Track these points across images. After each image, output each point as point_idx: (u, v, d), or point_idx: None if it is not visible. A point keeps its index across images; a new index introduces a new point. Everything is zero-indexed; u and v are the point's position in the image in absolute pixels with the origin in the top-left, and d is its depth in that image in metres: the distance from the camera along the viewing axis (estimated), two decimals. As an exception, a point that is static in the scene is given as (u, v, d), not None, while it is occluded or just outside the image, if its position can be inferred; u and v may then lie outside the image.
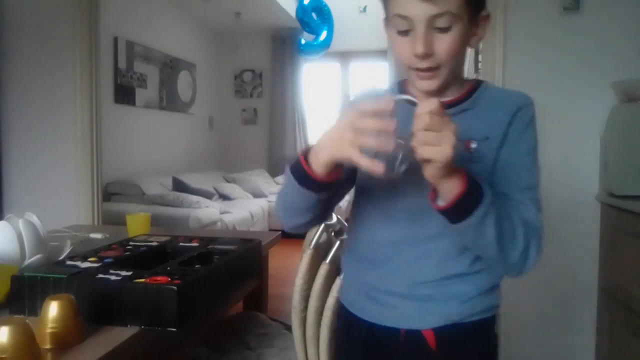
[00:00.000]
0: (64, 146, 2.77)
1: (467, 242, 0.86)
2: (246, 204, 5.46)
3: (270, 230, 5.52)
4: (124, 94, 4.96)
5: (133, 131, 5.12)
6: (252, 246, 1.48)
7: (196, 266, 1.22)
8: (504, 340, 2.61)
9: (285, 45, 6.85)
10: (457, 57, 0.87)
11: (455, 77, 0.91)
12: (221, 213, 4.73)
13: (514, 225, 0.83)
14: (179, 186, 5.01)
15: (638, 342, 1.88)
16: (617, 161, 2.12)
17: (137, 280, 1.03)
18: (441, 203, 0.80)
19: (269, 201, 5.89)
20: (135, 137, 5.15)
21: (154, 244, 1.41)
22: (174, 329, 0.99)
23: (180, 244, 1.44)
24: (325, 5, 6.43)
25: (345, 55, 6.80)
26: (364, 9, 6.53)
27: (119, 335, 0.95)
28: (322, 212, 0.91)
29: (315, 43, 6.50)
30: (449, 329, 0.92)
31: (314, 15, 6.40)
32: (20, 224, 1.24)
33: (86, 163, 2.76)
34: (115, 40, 4.78)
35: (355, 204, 1.03)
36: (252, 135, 7.12)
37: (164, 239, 1.48)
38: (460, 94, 0.93)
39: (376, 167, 0.71)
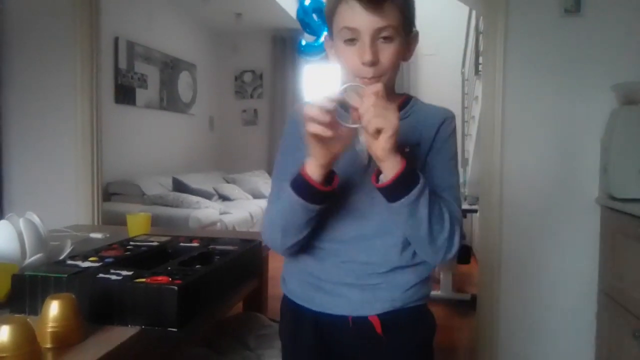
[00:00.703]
0: (64, 146, 2.77)
1: (401, 221, 0.93)
2: (246, 205, 5.45)
3: (270, 231, 5.50)
4: (125, 94, 4.96)
5: (133, 131, 5.12)
6: (252, 247, 1.48)
7: (197, 266, 1.22)
8: (505, 342, 2.60)
9: (286, 46, 6.86)
10: (396, 69, 0.97)
11: (392, 88, 1.00)
12: (221, 214, 4.73)
13: (442, 211, 0.93)
14: (179, 186, 5.02)
15: (638, 344, 1.88)
16: (618, 164, 2.12)
17: (138, 280, 1.03)
18: (383, 180, 0.89)
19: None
20: (135, 137, 5.15)
21: (155, 244, 1.41)
22: (175, 329, 0.99)
23: (181, 244, 1.44)
24: (326, 7, 6.43)
25: (345, 57, 6.80)
26: (365, 11, 6.53)
27: (119, 335, 0.95)
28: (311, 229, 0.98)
29: (315, 44, 6.50)
30: (392, 315, 1.01)
31: (314, 16, 6.39)
32: (21, 223, 1.24)
33: (86, 163, 2.76)
34: (116, 40, 4.78)
35: None
36: (252, 136, 7.13)
37: (164, 239, 1.48)
38: (395, 104, 0.99)
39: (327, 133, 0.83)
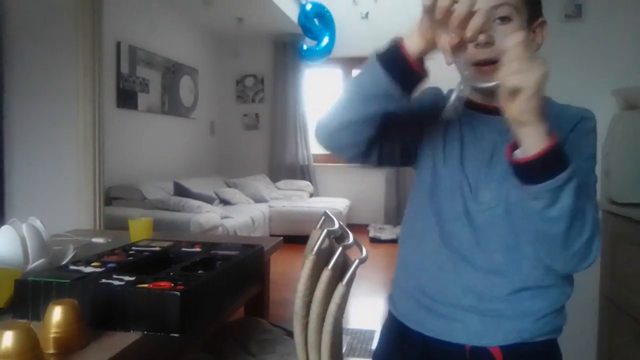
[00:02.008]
0: (66, 150, 2.77)
1: (535, 209, 0.78)
2: (247, 209, 5.45)
3: (271, 235, 5.51)
4: (127, 99, 4.97)
5: (135, 135, 5.13)
6: (254, 252, 1.48)
7: (199, 272, 1.22)
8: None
9: (287, 50, 6.87)
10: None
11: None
12: (222, 218, 4.73)
13: (584, 208, 0.78)
14: (180, 191, 5.02)
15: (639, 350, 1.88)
16: (619, 169, 2.12)
17: (141, 286, 1.03)
18: (523, 154, 0.74)
19: (270, 206, 5.89)
20: (137, 142, 5.16)
21: (157, 249, 1.42)
22: (177, 335, 0.99)
23: (183, 249, 1.45)
24: (328, 12, 6.45)
25: (347, 61, 6.81)
26: (366, 15, 6.55)
27: (122, 340, 0.95)
28: (376, 130, 0.84)
29: (317, 49, 6.52)
30: (518, 348, 0.88)
31: (316, 21, 6.41)
32: (24, 228, 1.24)
33: (88, 167, 2.77)
34: (118, 45, 4.79)
35: (411, 209, 1.01)
36: (253, 140, 7.13)
37: (166, 244, 1.49)
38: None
39: (450, 41, 0.70)
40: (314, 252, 1.31)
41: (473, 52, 0.83)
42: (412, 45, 0.77)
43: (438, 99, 0.99)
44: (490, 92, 0.76)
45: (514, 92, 0.70)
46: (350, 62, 6.81)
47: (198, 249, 1.44)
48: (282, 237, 1.98)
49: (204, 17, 6.08)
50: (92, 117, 2.77)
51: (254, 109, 7.17)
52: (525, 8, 0.85)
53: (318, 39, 6.49)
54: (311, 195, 6.67)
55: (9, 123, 2.80)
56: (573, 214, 0.75)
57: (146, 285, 1.04)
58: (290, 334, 1.66)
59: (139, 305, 1.00)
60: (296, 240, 3.62)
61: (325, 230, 1.32)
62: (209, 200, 5.07)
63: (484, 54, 0.83)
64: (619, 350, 2.09)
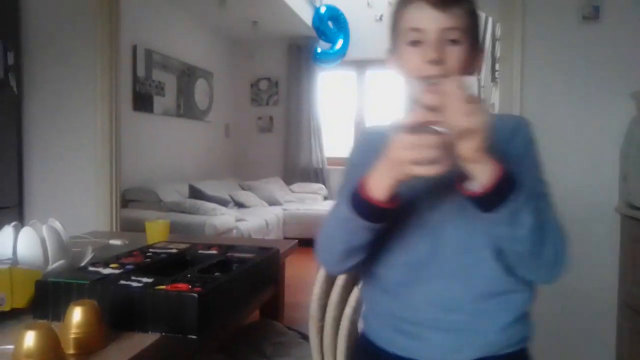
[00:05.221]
0: (84, 153, 2.81)
1: (501, 234, 0.82)
2: (261, 212, 5.47)
3: (285, 238, 5.52)
4: (143, 102, 5.02)
5: (151, 138, 5.17)
6: (270, 255, 1.49)
7: (216, 274, 1.23)
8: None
9: (302, 53, 6.89)
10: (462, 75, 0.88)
11: None
12: (237, 220, 4.75)
13: (547, 217, 0.82)
14: (195, 193, 5.05)
15: (659, 356, 1.85)
16: (637, 172, 2.09)
17: (159, 287, 1.04)
18: (479, 188, 0.77)
19: (284, 209, 5.90)
20: (152, 145, 5.20)
21: (174, 251, 1.43)
22: (194, 336, 0.99)
23: (200, 251, 1.46)
24: (342, 14, 6.46)
25: (361, 64, 6.81)
26: (380, 18, 6.54)
27: (140, 341, 0.96)
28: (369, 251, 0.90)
29: (331, 52, 6.53)
30: None
31: (330, 24, 6.43)
32: (44, 229, 1.26)
33: (105, 170, 2.80)
34: (134, 48, 4.84)
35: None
36: (267, 143, 7.16)
37: (183, 246, 1.50)
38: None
39: (435, 170, 0.73)
40: (330, 255, 1.31)
41: (423, 68, 0.87)
42: (382, 190, 0.79)
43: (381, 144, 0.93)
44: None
45: (466, 134, 0.72)
46: (365, 64, 6.81)
47: (214, 252, 1.45)
48: (297, 240, 1.99)
49: (219, 21, 6.12)
50: (109, 121, 2.80)
51: (268, 111, 7.19)
52: (469, 34, 0.89)
53: (332, 42, 6.50)
54: (325, 198, 6.67)
55: (28, 127, 2.85)
56: (538, 228, 0.79)
57: (164, 287, 1.04)
58: (304, 337, 1.66)
59: (157, 307, 1.01)
60: (310, 244, 3.59)
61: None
62: (223, 202, 5.10)
63: (433, 70, 0.86)
64: (638, 355, 2.06)
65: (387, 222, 0.84)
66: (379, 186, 0.79)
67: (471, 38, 0.91)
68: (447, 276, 0.90)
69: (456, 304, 0.90)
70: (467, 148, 0.73)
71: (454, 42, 0.87)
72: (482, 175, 0.76)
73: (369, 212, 0.81)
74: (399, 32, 0.93)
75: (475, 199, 0.79)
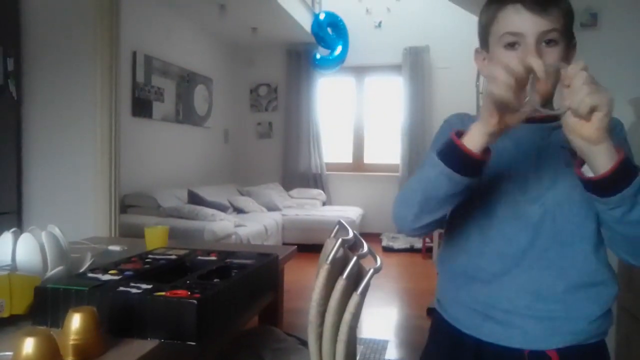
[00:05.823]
0: (83, 158, 2.81)
1: (615, 220, 0.83)
2: (260, 218, 5.47)
3: (284, 244, 5.52)
4: (142, 107, 5.03)
5: (150, 144, 5.18)
6: (269, 261, 1.49)
7: (215, 280, 1.23)
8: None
9: (301, 59, 6.91)
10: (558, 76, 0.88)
11: (552, 99, 0.94)
12: (236, 226, 4.74)
13: None
14: (194, 199, 5.05)
15: (659, 362, 1.84)
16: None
17: (158, 294, 1.04)
18: (600, 170, 0.78)
19: (283, 215, 5.90)
20: (151, 150, 5.21)
21: (173, 257, 1.43)
22: (193, 343, 0.99)
23: (199, 257, 1.46)
24: (341, 21, 6.49)
25: (360, 70, 6.83)
26: (379, 24, 6.58)
27: (139, 348, 0.96)
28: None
29: (330, 58, 6.55)
30: (573, 350, 0.91)
31: (329, 30, 6.45)
32: (43, 236, 1.26)
33: (104, 175, 2.80)
34: (134, 54, 4.86)
35: (456, 214, 1.01)
36: (266, 148, 7.17)
37: (182, 252, 1.50)
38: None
39: (507, 95, 0.75)
40: (328, 262, 1.31)
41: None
42: (475, 143, 0.81)
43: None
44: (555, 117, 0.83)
45: (591, 112, 0.74)
46: (363, 70, 6.83)
47: (214, 258, 1.45)
48: (296, 246, 1.99)
49: (219, 27, 6.14)
50: (109, 126, 2.81)
51: (267, 117, 7.21)
52: (566, 33, 0.92)
53: (331, 48, 6.52)
54: (324, 204, 6.68)
55: (27, 132, 2.85)
56: None
57: (163, 294, 1.04)
58: (304, 343, 1.66)
59: (156, 313, 1.01)
60: (309, 249, 3.62)
61: (340, 239, 1.32)
62: (222, 208, 5.09)
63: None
64: (638, 362, 2.06)
65: (472, 178, 0.84)
66: (472, 137, 0.81)
67: (567, 37, 0.92)
68: (543, 267, 0.91)
69: (550, 293, 0.91)
70: (592, 127, 0.75)
71: (551, 42, 0.89)
72: (603, 157, 0.77)
73: (457, 159, 0.82)
74: (493, 35, 0.94)
75: (594, 184, 0.80)
